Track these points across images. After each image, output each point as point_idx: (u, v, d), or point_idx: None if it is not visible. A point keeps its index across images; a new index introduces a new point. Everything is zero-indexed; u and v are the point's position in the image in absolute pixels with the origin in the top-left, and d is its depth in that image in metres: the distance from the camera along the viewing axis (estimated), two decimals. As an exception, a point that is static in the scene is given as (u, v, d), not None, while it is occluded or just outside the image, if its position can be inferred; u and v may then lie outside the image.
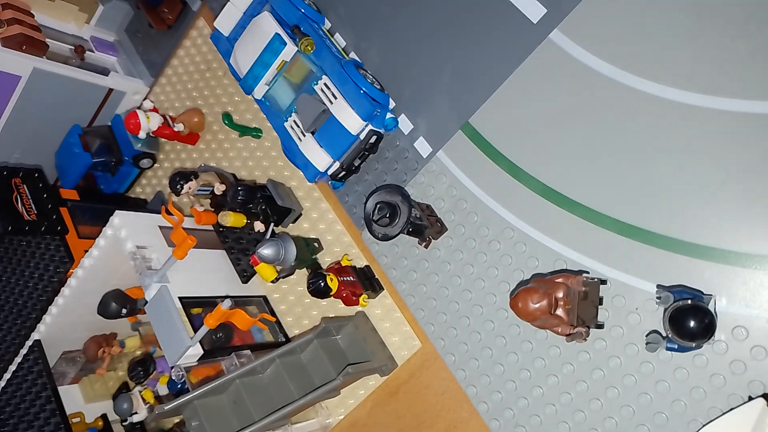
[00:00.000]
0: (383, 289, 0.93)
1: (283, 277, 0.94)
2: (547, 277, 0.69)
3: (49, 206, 1.04)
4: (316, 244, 0.99)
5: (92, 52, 1.29)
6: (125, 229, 0.94)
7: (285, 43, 0.92)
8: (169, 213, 0.92)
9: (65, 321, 1.07)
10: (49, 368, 1.04)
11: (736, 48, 0.68)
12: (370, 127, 0.88)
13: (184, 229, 0.90)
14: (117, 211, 0.96)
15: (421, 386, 0.88)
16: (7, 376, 1.09)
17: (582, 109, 0.77)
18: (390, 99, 0.92)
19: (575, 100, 0.78)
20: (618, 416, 0.73)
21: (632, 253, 0.73)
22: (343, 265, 0.92)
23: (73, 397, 1.15)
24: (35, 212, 1.01)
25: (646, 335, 0.69)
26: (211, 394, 0.82)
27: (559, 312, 0.65)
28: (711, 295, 0.65)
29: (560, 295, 0.65)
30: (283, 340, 1.01)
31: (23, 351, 1.08)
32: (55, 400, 1.00)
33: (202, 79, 1.21)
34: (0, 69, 1.10)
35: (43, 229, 1.00)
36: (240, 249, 1.04)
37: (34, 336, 1.07)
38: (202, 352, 0.86)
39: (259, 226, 1.00)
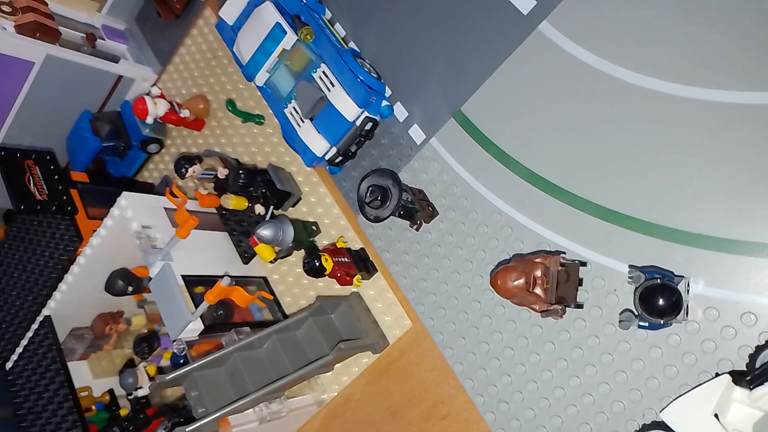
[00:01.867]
0: (377, 270, 0.96)
1: (282, 258, 0.98)
2: (527, 257, 0.72)
3: (60, 188, 1.08)
4: (313, 227, 1.03)
5: (103, 39, 1.33)
6: (131, 209, 0.99)
7: (285, 32, 0.95)
8: (173, 194, 0.96)
9: (74, 298, 1.11)
10: (58, 343, 1.08)
11: (715, 40, 0.70)
12: (366, 114, 0.91)
13: (187, 211, 0.94)
14: (124, 192, 1.00)
15: (411, 364, 0.92)
16: (19, 350, 1.14)
17: (568, 98, 0.80)
18: (386, 87, 0.95)
19: (562, 89, 0.80)
20: (595, 393, 0.76)
21: (612, 236, 0.76)
22: (339, 246, 0.96)
23: (81, 373, 1.20)
24: (47, 193, 1.06)
25: (620, 314, 0.72)
26: (209, 366, 0.86)
27: (537, 290, 0.68)
28: (683, 276, 0.68)
29: (538, 273, 0.68)
30: (282, 318, 1.05)
31: (34, 326, 1.13)
32: (65, 373, 1.05)
33: (208, 67, 1.24)
34: (14, 55, 1.15)
35: (53, 209, 1.04)
36: (241, 231, 1.08)
37: (45, 312, 1.11)
38: (202, 327, 0.90)
39: (259, 208, 1.04)
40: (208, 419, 0.81)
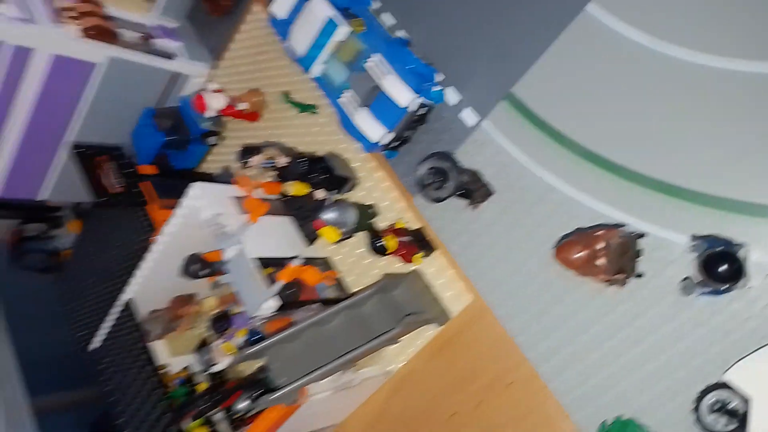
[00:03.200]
0: (435, 249, 1.01)
1: (345, 239, 1.04)
2: (588, 230, 0.76)
3: (131, 181, 1.16)
4: (371, 210, 1.08)
5: (157, 39, 1.39)
6: (202, 198, 1.05)
7: (338, 25, 0.99)
8: (241, 183, 1.02)
9: (151, 283, 1.19)
10: (139, 324, 1.17)
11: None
12: (419, 99, 0.95)
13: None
14: (194, 183, 1.07)
15: (473, 337, 0.97)
16: (102, 333, 1.24)
17: (618, 76, 0.82)
18: (437, 73, 0.98)
19: (611, 67, 0.82)
20: (657, 360, 0.79)
21: (670, 209, 0.78)
22: (398, 227, 1.01)
23: (159, 352, 1.30)
24: (120, 186, 1.13)
25: (681, 281, 0.75)
26: (287, 340, 0.93)
27: (599, 262, 0.72)
28: (742, 244, 0.70)
29: (599, 246, 0.71)
30: (345, 297, 1.11)
31: (115, 310, 1.22)
32: (146, 351, 1.14)
33: (259, 62, 1.29)
34: (80, 58, 1.22)
35: (128, 201, 1.12)
36: (304, 215, 1.14)
37: (125, 296, 1.20)
38: (279, 304, 0.97)
39: (319, 194, 1.09)
40: (290, 388, 0.88)
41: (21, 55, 1.15)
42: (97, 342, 1.27)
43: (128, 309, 1.20)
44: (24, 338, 2.39)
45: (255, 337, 1.12)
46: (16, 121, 1.24)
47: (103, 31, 1.23)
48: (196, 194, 1.06)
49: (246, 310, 0.97)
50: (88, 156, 1.14)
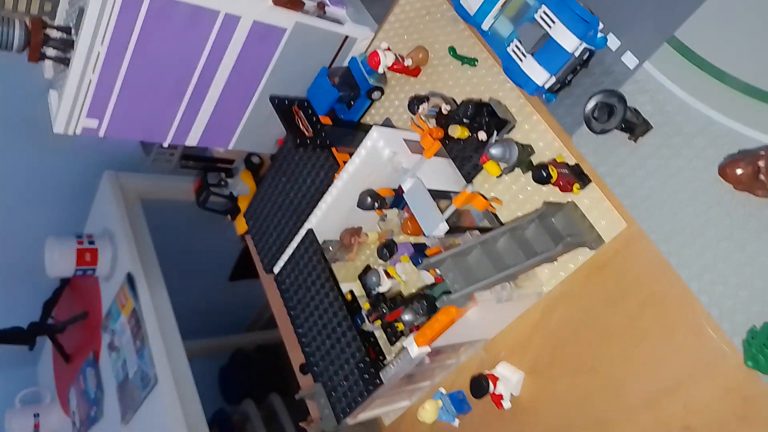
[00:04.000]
0: (591, 181, 1.13)
1: (506, 173, 1.18)
2: (752, 151, 0.85)
3: (318, 127, 1.36)
4: (530, 149, 1.21)
5: (329, 6, 1.59)
6: (382, 139, 1.24)
7: (508, -18, 1.13)
8: (418, 125, 1.19)
9: (328, 215, 1.41)
10: (321, 248, 1.39)
11: None
12: (584, 45, 1.07)
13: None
14: (374, 126, 1.25)
15: (626, 260, 1.08)
16: (287, 255, 1.47)
17: (787, 14, 0.89)
18: (599, 21, 1.09)
19: (780, 7, 0.90)
20: (812, 272, 0.87)
21: (832, 135, 0.85)
22: (558, 161, 1.13)
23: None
24: (311, 131, 1.35)
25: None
26: (459, 255, 1.09)
27: (762, 177, 0.81)
28: None
29: (762, 163, 0.80)
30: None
31: (298, 238, 1.45)
32: (330, 271, 1.35)
33: (418, 23, 1.46)
34: (273, 23, 1.44)
35: (318, 142, 1.33)
36: (464, 157, 1.30)
37: (307, 225, 1.42)
38: (448, 227, 1.13)
39: (482, 135, 1.24)
40: (464, 291, 1.04)
41: (230, 22, 1.38)
42: (279, 266, 1.51)
43: (310, 236, 1.42)
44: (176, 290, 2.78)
45: (417, 261, 1.30)
46: (219, 79, 1.50)
47: (293, 0, 1.45)
48: (378, 136, 1.25)
49: (424, 230, 1.15)
50: (285, 106, 1.36)
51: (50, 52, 1.37)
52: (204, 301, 3.73)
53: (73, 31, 1.34)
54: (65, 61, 1.35)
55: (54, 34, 1.36)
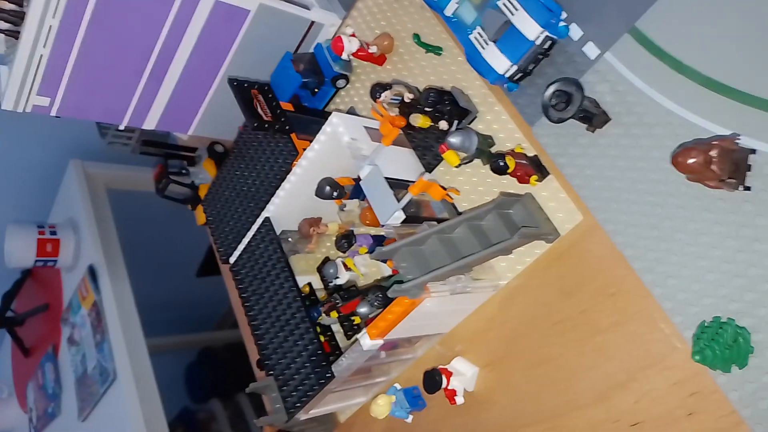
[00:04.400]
0: (549, 173, 1.11)
1: (465, 164, 1.16)
2: (705, 140, 0.83)
3: (278, 111, 1.33)
4: (490, 140, 1.19)
5: (296, -9, 1.56)
6: (342, 125, 1.21)
7: (472, -32, 1.11)
8: (378, 112, 1.17)
9: (287, 203, 1.37)
10: (278, 237, 1.35)
11: None
12: (546, 33, 1.05)
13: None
14: (334, 113, 1.22)
15: (581, 252, 1.06)
16: (244, 244, 1.43)
17: (739, 5, 0.88)
18: (562, 10, 1.08)
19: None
20: (762, 266, 0.86)
21: (785, 128, 0.84)
22: (517, 151, 1.11)
23: (286, 269, 1.47)
24: (269, 116, 1.31)
25: (793, 185, 0.81)
26: (414, 244, 1.06)
27: (713, 167, 0.79)
28: None
29: (714, 153, 0.79)
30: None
31: (256, 226, 1.41)
32: (285, 260, 1.31)
33: (388, 10, 1.43)
34: (235, 4, 1.41)
35: (276, 127, 1.29)
36: (425, 146, 1.27)
37: (265, 214, 1.39)
38: (404, 216, 1.11)
39: (443, 124, 1.22)
40: (416, 281, 1.01)
41: (190, 0, 1.34)
42: (236, 255, 1.46)
43: (267, 224, 1.38)
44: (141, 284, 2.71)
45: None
46: (179, 60, 1.45)
47: (255, -18, 1.41)
48: (338, 122, 1.21)
49: (379, 218, 1.12)
50: (244, 87, 1.32)
51: (1, 25, 1.31)
52: (171, 297, 3.66)
53: (24, 2, 1.29)
54: (17, 35, 1.30)
55: (6, 5, 1.31)
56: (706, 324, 0.89)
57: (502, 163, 1.06)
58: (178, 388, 3.92)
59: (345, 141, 1.19)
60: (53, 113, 1.41)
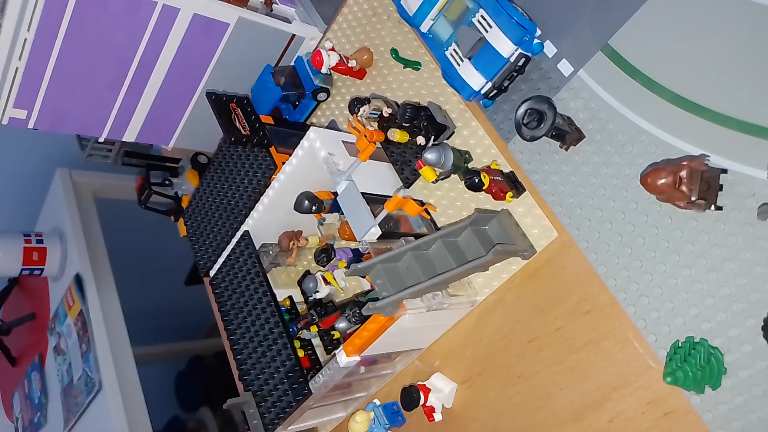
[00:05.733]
0: (525, 190, 1.11)
1: (441, 179, 1.15)
2: (675, 160, 0.83)
3: (257, 125, 1.32)
4: (467, 155, 1.19)
5: (277, 4, 1.56)
6: (319, 140, 1.20)
7: (448, -16, 1.10)
8: (354, 127, 1.16)
9: (266, 217, 1.36)
10: (257, 251, 1.34)
11: None
12: (519, 50, 1.05)
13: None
14: (312, 127, 1.22)
15: (556, 268, 1.06)
16: (223, 258, 1.42)
17: (709, 26, 0.88)
18: (537, 27, 1.08)
19: (701, 20, 0.89)
20: (733, 285, 0.86)
21: (754, 148, 0.84)
22: (493, 168, 1.11)
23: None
24: (247, 130, 1.30)
25: (759, 207, 0.81)
26: (389, 261, 1.06)
27: (683, 188, 0.79)
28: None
29: (683, 174, 0.79)
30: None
31: (235, 239, 1.40)
32: (264, 275, 1.30)
33: (368, 24, 1.43)
34: (215, 17, 1.40)
35: (255, 141, 1.28)
36: (403, 161, 1.27)
37: (244, 227, 1.38)
38: (380, 232, 1.10)
39: (420, 140, 1.21)
40: (391, 299, 1.01)
41: (168, 13, 1.34)
42: (215, 268, 1.46)
43: (246, 239, 1.37)
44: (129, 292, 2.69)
45: (355, 266, 1.26)
46: (159, 72, 1.45)
47: (234, -5, 1.41)
48: (315, 136, 1.21)
49: (355, 234, 1.11)
50: (222, 101, 1.31)
51: (-23, 38, 1.30)
52: (160, 305, 3.64)
53: None
54: (-8, 48, 1.29)
55: (-19, 19, 1.30)
56: (679, 344, 0.89)
57: (477, 180, 1.05)
58: (168, 397, 3.90)
59: (321, 156, 1.19)
60: (31, 126, 1.40)
